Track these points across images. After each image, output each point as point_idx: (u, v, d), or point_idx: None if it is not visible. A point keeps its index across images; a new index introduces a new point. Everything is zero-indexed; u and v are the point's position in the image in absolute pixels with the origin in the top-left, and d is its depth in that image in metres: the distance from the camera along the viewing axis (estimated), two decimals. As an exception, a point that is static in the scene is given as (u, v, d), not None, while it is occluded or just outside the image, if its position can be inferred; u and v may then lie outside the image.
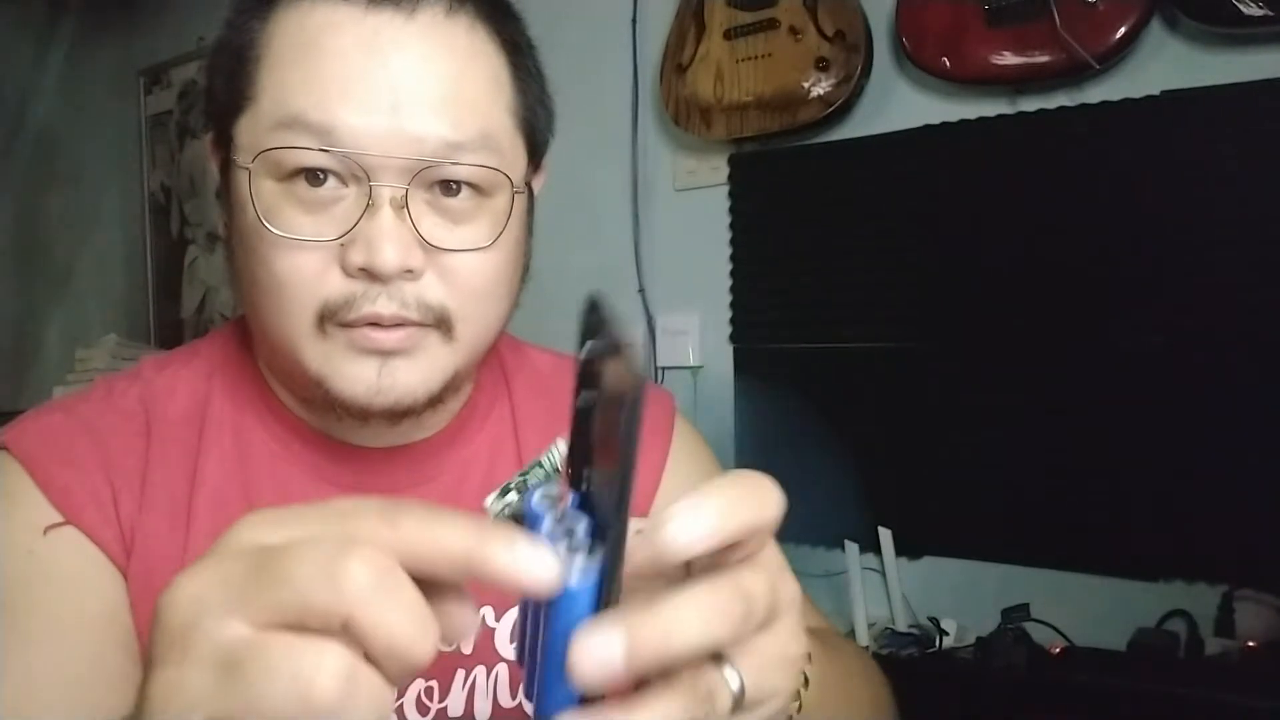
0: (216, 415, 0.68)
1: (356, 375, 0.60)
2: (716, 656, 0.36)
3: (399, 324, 0.59)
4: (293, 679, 0.29)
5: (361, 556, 0.29)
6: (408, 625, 0.30)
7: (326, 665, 0.29)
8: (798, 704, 0.47)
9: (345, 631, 0.29)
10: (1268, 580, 1.25)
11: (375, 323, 0.59)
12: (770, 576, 0.36)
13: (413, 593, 0.31)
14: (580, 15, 1.83)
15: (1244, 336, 1.27)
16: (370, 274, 0.58)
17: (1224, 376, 1.29)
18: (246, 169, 0.59)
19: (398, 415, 0.63)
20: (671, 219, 1.83)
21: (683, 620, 0.32)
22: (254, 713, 0.29)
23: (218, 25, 0.64)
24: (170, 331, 2.72)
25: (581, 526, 0.32)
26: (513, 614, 0.70)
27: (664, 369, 1.81)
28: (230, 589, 0.30)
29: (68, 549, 0.61)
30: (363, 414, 0.62)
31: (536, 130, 0.67)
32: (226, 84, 0.62)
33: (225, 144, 0.63)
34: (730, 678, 0.36)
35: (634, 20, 1.80)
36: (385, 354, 0.60)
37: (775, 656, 0.37)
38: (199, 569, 0.31)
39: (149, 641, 0.32)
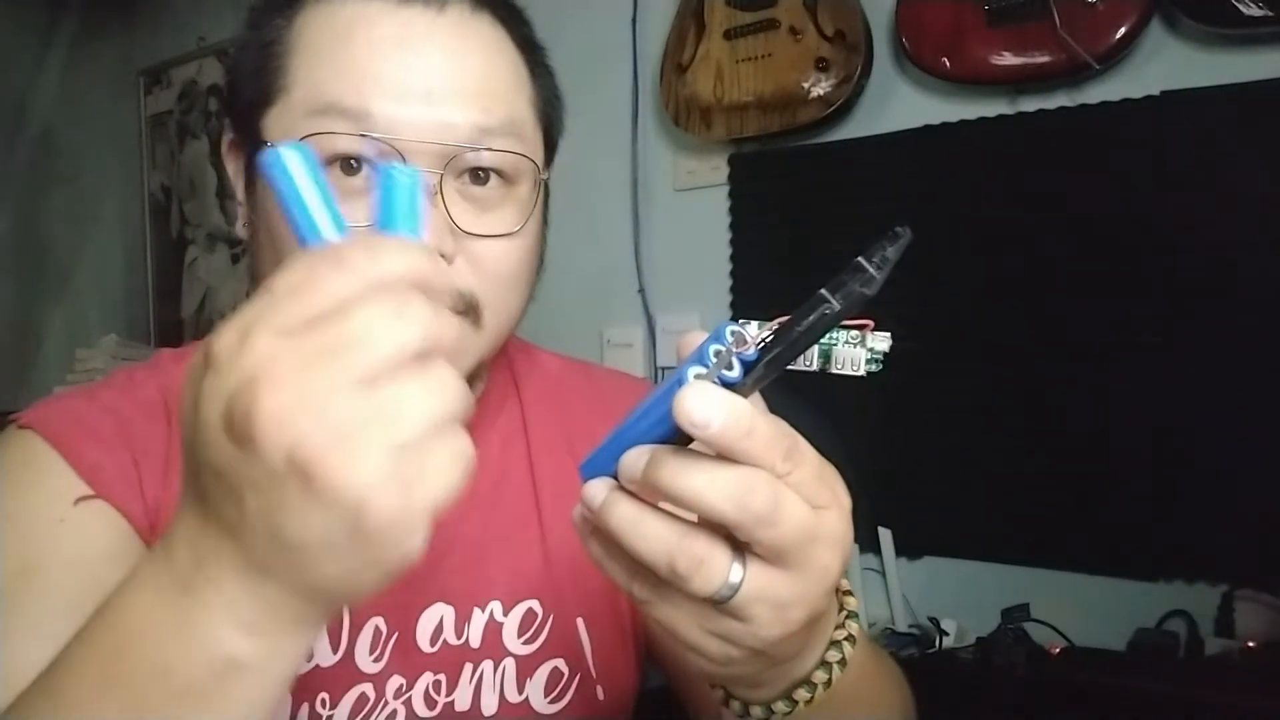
0: None
1: None
2: (738, 545, 0.39)
3: None
4: None
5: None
6: None
7: None
8: (827, 678, 0.48)
9: None
10: (1268, 580, 1.25)
11: None
12: (810, 527, 0.39)
13: None
14: (580, 15, 1.83)
15: (1244, 336, 1.28)
16: None
17: (1224, 376, 1.29)
18: None
19: None
20: (671, 219, 1.83)
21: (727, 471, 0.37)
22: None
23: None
24: (170, 331, 2.72)
25: (735, 361, 0.39)
26: (520, 610, 0.70)
27: (664, 369, 1.81)
28: None
29: (98, 521, 0.61)
30: None
31: (552, 124, 0.69)
32: (252, 80, 0.63)
33: (252, 139, 0.63)
34: (733, 570, 0.39)
35: (634, 20, 1.81)
36: None
37: (780, 596, 0.39)
38: None
39: None
